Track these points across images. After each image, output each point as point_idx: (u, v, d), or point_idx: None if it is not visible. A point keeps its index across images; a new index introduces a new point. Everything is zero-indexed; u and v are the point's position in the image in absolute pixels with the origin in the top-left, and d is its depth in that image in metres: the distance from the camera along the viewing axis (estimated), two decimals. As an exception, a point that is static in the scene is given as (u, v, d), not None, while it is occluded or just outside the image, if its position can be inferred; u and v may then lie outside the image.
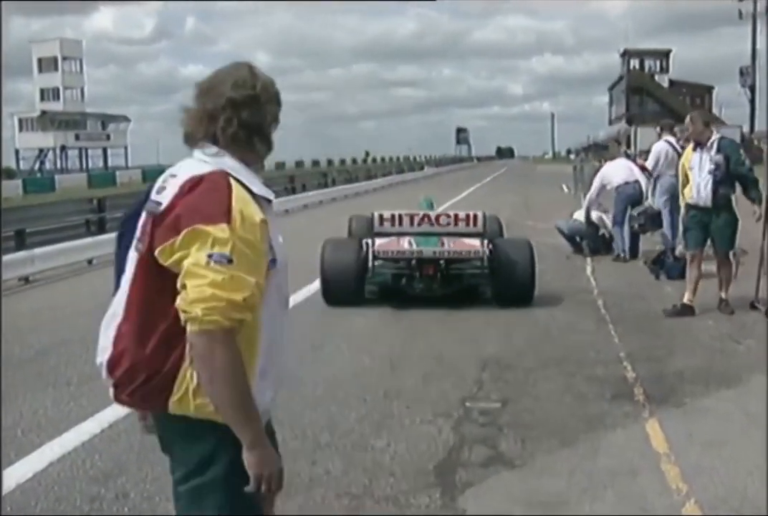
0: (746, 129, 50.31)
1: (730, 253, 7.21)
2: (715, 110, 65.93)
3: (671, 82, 65.16)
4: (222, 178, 1.87)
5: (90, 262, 11.08)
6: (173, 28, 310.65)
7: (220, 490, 1.91)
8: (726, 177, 6.83)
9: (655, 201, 9.80)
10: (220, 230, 1.77)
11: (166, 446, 2.04)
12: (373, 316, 7.41)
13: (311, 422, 4.49)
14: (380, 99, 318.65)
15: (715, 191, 6.87)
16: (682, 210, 7.28)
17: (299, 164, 66.15)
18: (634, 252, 10.55)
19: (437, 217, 8.17)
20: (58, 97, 64.32)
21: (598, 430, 4.34)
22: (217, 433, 1.86)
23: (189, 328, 1.76)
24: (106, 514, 3.44)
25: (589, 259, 10.64)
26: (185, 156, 2.00)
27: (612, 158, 13.30)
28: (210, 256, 1.75)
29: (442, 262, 7.76)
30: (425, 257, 7.68)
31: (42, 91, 65.04)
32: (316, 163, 67.37)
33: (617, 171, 10.90)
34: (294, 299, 8.13)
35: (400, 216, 8.11)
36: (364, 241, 8.00)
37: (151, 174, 46.87)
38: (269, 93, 2.00)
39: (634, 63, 67.45)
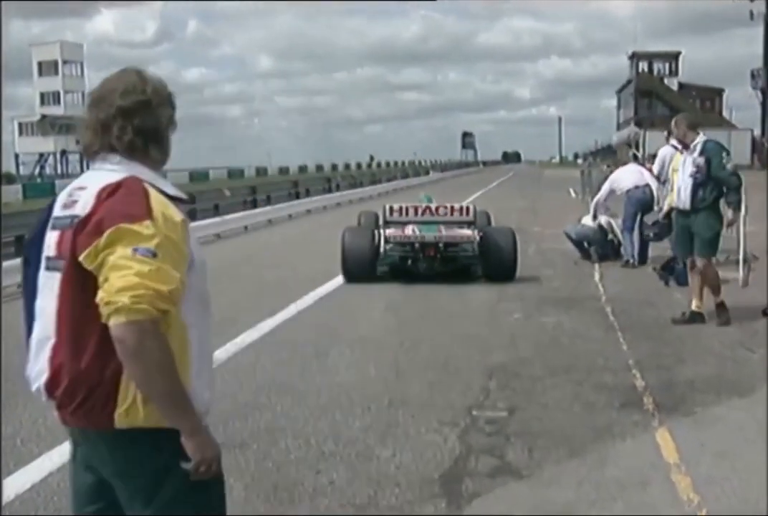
0: (757, 132, 50.23)
1: (715, 259, 7.21)
2: (725, 113, 65.96)
3: (681, 85, 65.16)
4: (136, 183, 1.91)
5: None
6: (175, 31, 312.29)
7: (193, 495, 1.94)
8: (707, 180, 6.82)
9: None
10: (144, 227, 1.81)
11: (112, 471, 1.99)
12: (375, 326, 7.41)
13: (315, 431, 4.48)
14: (385, 103, 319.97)
15: (694, 194, 6.89)
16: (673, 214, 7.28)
17: (303, 169, 66.24)
18: (642, 258, 10.53)
19: (437, 209, 10.09)
20: (59, 101, 64.52)
21: (606, 439, 4.33)
22: (171, 441, 1.87)
23: (114, 320, 1.76)
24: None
25: (597, 265, 10.63)
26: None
27: (624, 163, 13.32)
28: (135, 250, 1.79)
29: (441, 245, 9.51)
30: (427, 241, 9.47)
31: (42, 95, 65.22)
32: (320, 167, 67.43)
33: (628, 175, 10.91)
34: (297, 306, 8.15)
35: (406, 208, 10.08)
36: (375, 230, 9.93)
37: (153, 179, 47.08)
38: (161, 96, 2.03)
39: (643, 66, 67.50)
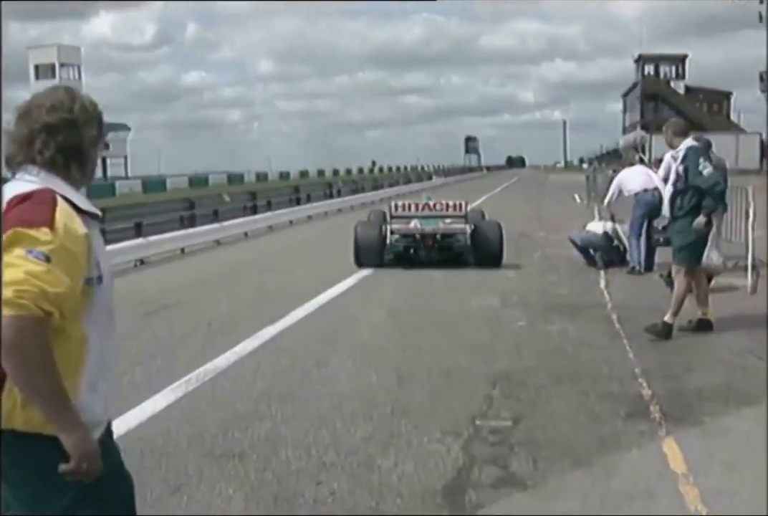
0: (766, 136, 50.16)
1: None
2: (733, 117, 65.90)
3: (687, 89, 65.09)
4: (47, 194, 1.97)
5: (88, 275, 11.09)
6: (174, 34, 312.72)
7: (90, 501, 1.98)
8: (686, 188, 6.81)
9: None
10: (42, 233, 1.87)
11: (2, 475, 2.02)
12: (377, 333, 7.41)
13: (316, 440, 4.48)
14: (387, 107, 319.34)
15: (672, 202, 6.93)
16: None
17: (304, 174, 66.27)
18: (649, 264, 10.53)
19: (434, 205, 12.04)
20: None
21: (612, 449, 4.32)
22: (55, 448, 1.90)
23: None
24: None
25: (602, 272, 10.63)
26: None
27: (631, 164, 13.33)
28: (29, 251, 1.84)
29: (438, 236, 11.52)
30: (426, 233, 11.51)
31: (39, 99, 65.37)
32: (321, 172, 67.47)
33: (635, 177, 10.89)
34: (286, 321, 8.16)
35: (409, 204, 12.30)
36: (383, 224, 11.83)
37: (152, 185, 46.86)
38: (87, 116, 2.08)
39: (649, 69, 67.44)
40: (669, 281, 9.15)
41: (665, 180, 9.80)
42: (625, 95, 73.57)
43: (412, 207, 12.12)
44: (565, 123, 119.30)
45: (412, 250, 11.61)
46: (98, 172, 62.19)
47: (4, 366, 1.86)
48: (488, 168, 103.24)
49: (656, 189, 10.41)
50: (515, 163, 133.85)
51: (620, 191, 10.94)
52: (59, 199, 1.97)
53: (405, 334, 7.30)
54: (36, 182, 2.01)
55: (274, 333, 7.28)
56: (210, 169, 75.03)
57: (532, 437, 4.53)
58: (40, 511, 1.98)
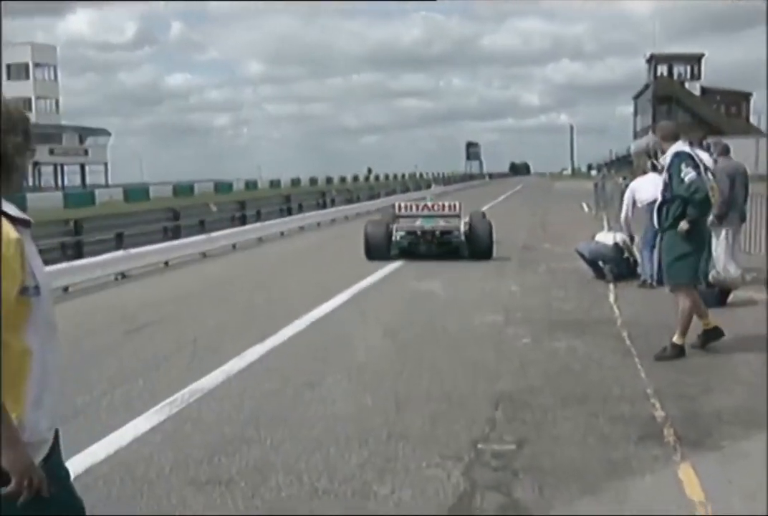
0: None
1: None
2: (752, 119, 65.89)
3: (703, 90, 64.90)
4: None
5: (66, 289, 11.09)
6: (157, 33, 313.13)
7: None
8: (672, 198, 6.76)
9: None
10: None
11: None
12: (373, 352, 7.42)
13: (308, 467, 4.48)
14: (384, 111, 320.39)
15: (659, 213, 6.92)
16: None
17: (295, 182, 66.42)
18: (662, 277, 10.52)
19: (433, 206, 15.15)
20: (31, 108, 64.74)
21: (624, 475, 4.31)
22: None
23: None
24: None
25: (612, 286, 10.65)
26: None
27: (643, 172, 13.36)
28: None
29: (437, 233, 14.32)
30: (427, 230, 14.30)
31: (12, 102, 65.41)
32: (313, 181, 67.63)
33: (647, 186, 10.90)
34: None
35: (411, 205, 15.39)
36: (389, 223, 14.72)
37: (134, 193, 46.87)
38: (11, 123, 2.12)
39: (662, 69, 67.38)
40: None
41: None
42: (637, 97, 73.74)
43: (414, 207, 15.21)
44: (572, 127, 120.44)
45: (414, 245, 14.35)
46: (77, 180, 61.87)
47: None
48: (490, 175, 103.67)
49: None
50: (519, 170, 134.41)
51: (634, 202, 10.92)
52: None
53: (403, 352, 7.30)
54: None
55: (263, 351, 7.28)
56: (196, 177, 75.14)
57: (537, 462, 4.53)
58: None
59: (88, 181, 66.45)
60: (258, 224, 20.89)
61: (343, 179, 72.66)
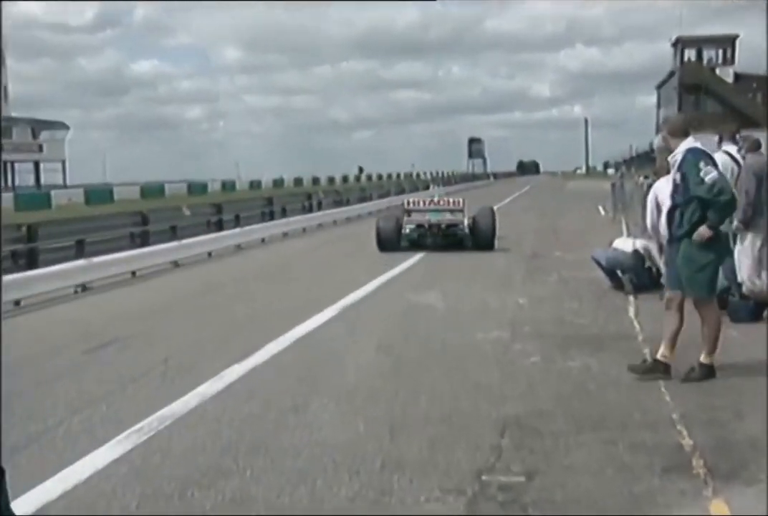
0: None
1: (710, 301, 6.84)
2: (793, 109, 65.36)
3: (737, 76, 63.82)
4: None
5: (18, 303, 11.01)
6: (121, 15, 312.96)
7: None
8: (687, 200, 6.69)
9: None
10: None
11: None
12: (365, 372, 7.42)
13: (292, 501, 4.46)
14: (376, 103, 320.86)
15: (670, 219, 6.88)
16: None
17: (278, 183, 66.54)
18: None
19: (439, 201, 18.51)
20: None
21: (647, 511, 4.31)
22: None
23: None
24: None
25: (631, 298, 10.68)
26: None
27: (667, 172, 13.33)
28: None
29: (443, 226, 17.59)
30: (434, 223, 17.56)
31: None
32: (298, 181, 67.75)
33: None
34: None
35: (420, 201, 18.79)
36: (399, 217, 18.06)
37: (96, 194, 46.73)
38: None
39: (690, 54, 66.70)
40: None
41: None
42: (660, 87, 73.49)
43: (421, 203, 18.46)
44: (586, 121, 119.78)
45: (422, 238, 17.60)
46: (30, 180, 61.51)
47: None
48: (495, 175, 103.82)
49: None
50: (528, 168, 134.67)
51: (658, 206, 10.87)
52: None
53: (398, 372, 7.30)
54: None
55: (242, 372, 7.27)
56: (166, 177, 75.19)
57: (548, 496, 4.52)
58: None
59: (43, 180, 65.82)
60: (236, 230, 20.87)
61: (331, 179, 72.77)
